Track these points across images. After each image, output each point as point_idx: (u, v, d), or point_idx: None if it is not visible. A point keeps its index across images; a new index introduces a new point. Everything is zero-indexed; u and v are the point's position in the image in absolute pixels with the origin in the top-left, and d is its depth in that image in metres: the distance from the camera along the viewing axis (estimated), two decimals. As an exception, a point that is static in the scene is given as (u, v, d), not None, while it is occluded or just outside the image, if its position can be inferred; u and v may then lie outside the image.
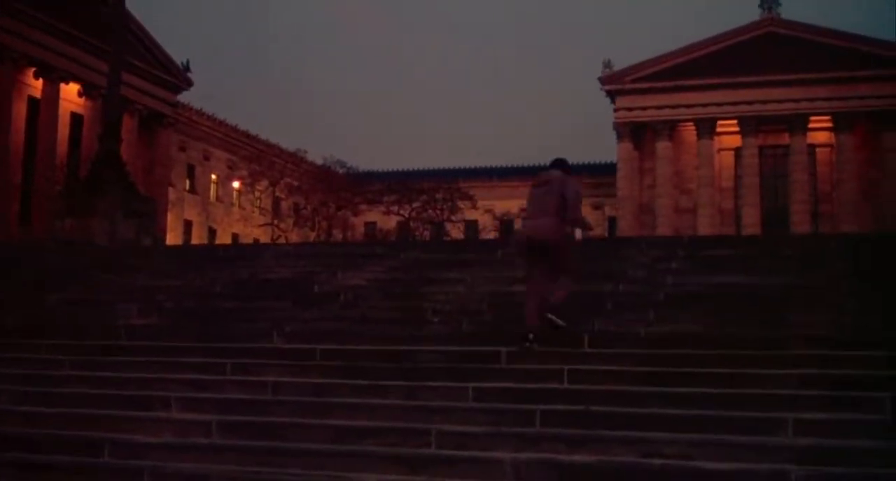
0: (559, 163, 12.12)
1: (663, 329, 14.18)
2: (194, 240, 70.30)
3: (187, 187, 73.25)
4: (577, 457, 9.38)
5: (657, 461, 9.21)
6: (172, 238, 65.48)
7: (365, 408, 11.01)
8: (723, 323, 14.18)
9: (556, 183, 11.64)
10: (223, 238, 73.93)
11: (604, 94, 75.84)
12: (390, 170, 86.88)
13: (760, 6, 74.78)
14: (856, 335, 13.32)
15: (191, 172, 73.72)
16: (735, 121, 72.77)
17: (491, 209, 78.59)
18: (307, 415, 10.95)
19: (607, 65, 75.31)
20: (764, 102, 71.44)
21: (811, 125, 71.94)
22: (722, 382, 11.19)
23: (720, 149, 74.63)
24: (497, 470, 9.18)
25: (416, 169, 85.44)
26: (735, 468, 8.82)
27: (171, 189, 67.92)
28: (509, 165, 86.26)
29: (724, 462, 8.97)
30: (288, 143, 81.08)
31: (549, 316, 11.64)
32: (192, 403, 11.61)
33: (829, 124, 72.02)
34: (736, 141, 73.66)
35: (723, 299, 15.19)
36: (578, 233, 11.70)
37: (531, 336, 11.75)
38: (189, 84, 69.40)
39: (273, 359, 13.19)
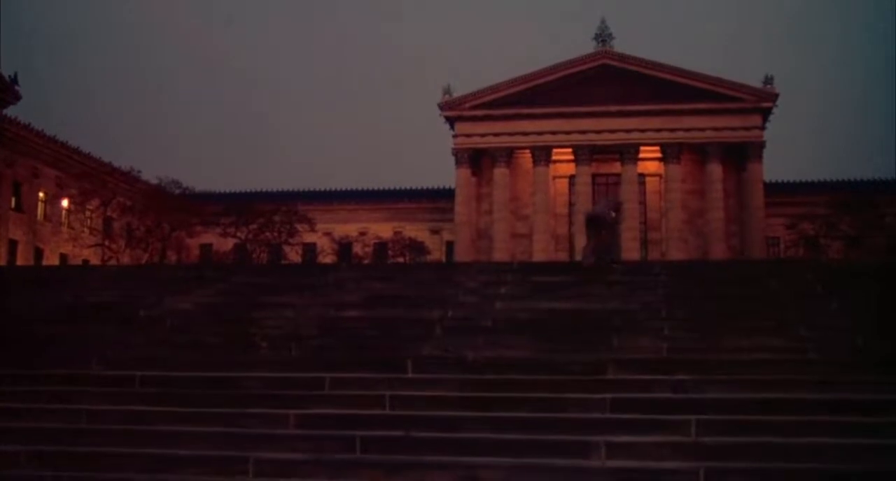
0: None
1: (489, 354, 14.44)
2: (19, 262, 67.16)
3: (13, 205, 70.23)
4: (396, 483, 9.46)
5: (474, 486, 9.36)
6: (-5, 258, 62.62)
7: (184, 436, 10.82)
8: (547, 348, 14.53)
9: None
10: (51, 259, 71.02)
11: (443, 120, 76.67)
12: (228, 191, 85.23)
13: (595, 39, 77.23)
14: (670, 357, 13.88)
15: (17, 190, 70.68)
16: (570, 150, 74.78)
17: (330, 232, 78.01)
18: (123, 444, 10.69)
19: (447, 91, 76.21)
20: (597, 132, 73.73)
21: (642, 155, 74.59)
22: (541, 407, 11.49)
23: (555, 177, 76.52)
24: (316, 498, 9.15)
25: (254, 190, 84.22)
26: (549, 491, 9.04)
27: (-6, 207, 65.05)
28: (349, 189, 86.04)
29: (539, 485, 9.19)
30: (122, 163, 78.48)
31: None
32: (1, 434, 11.14)
33: (658, 155, 74.79)
34: (571, 169, 75.64)
35: (549, 324, 15.56)
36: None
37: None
38: (17, 98, 66.53)
39: (91, 386, 12.81)
